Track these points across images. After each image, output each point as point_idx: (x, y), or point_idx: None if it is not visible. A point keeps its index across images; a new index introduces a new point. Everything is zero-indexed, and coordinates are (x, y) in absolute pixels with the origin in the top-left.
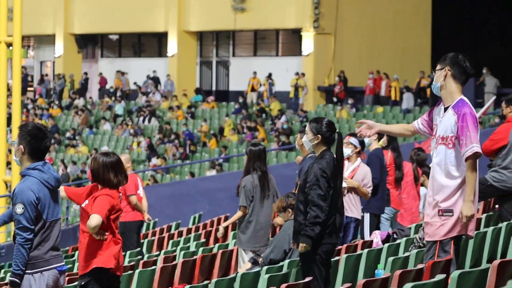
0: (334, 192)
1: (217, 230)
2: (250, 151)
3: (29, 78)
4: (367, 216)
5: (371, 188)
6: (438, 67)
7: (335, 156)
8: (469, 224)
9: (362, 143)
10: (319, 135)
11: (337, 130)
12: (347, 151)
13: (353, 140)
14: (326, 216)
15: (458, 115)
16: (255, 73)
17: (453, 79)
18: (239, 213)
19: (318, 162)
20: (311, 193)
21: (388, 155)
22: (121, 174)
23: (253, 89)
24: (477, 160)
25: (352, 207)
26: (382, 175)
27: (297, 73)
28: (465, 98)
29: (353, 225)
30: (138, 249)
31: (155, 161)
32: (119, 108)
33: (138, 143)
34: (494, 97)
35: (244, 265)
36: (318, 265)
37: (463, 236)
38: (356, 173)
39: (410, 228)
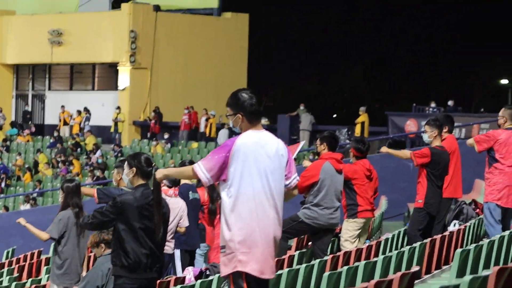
0: (148, 229)
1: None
2: (66, 187)
3: None
4: (177, 253)
5: (187, 224)
6: (230, 111)
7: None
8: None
9: (174, 182)
10: (134, 168)
11: (153, 165)
12: None
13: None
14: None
15: None
16: (63, 107)
17: (247, 121)
18: (44, 236)
19: (126, 194)
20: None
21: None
22: None
23: (65, 123)
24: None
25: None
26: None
27: (118, 108)
28: (246, 135)
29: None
30: None
31: None
32: None
33: None
34: (303, 142)
35: None
36: None
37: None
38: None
39: None
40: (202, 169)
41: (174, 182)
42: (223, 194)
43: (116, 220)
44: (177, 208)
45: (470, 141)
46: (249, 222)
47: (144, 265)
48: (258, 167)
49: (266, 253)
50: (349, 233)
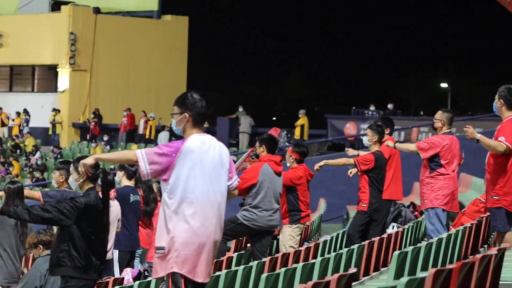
0: (99, 230)
1: None
2: (8, 189)
3: None
4: (116, 253)
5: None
6: (177, 110)
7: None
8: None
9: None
10: None
11: (101, 167)
12: None
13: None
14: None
15: None
16: (1, 108)
17: (192, 123)
18: None
19: (85, 196)
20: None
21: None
22: None
23: (3, 124)
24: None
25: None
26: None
27: (54, 109)
28: (193, 137)
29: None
30: None
31: None
32: None
33: None
34: (249, 150)
35: None
36: None
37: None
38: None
39: None
40: (145, 160)
41: (110, 184)
42: (165, 195)
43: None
44: (117, 211)
45: (411, 147)
46: (192, 224)
47: (93, 266)
48: (203, 170)
49: (206, 256)
50: (294, 239)
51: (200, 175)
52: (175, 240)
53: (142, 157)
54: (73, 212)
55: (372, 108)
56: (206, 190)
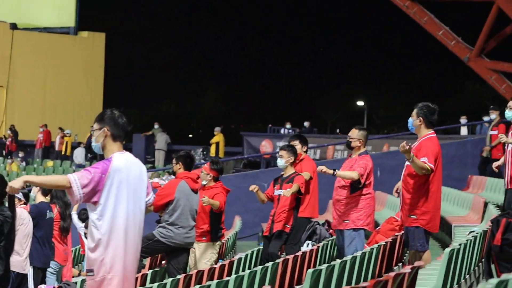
0: (6, 243)
1: None
2: None
3: None
4: (30, 269)
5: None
6: (96, 126)
7: (9, 211)
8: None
9: (25, 196)
10: None
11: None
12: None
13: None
14: None
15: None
16: None
17: (112, 138)
18: None
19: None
20: None
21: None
22: None
23: None
24: None
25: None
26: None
27: None
28: (117, 156)
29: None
30: None
31: None
32: None
33: None
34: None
35: None
36: None
37: None
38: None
39: (76, 283)
40: (78, 184)
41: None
42: (93, 216)
43: None
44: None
45: (354, 175)
46: (121, 245)
47: (3, 279)
48: (129, 189)
49: (132, 275)
50: (214, 257)
51: (126, 194)
52: (106, 262)
53: (75, 181)
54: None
55: (288, 125)
56: (133, 208)
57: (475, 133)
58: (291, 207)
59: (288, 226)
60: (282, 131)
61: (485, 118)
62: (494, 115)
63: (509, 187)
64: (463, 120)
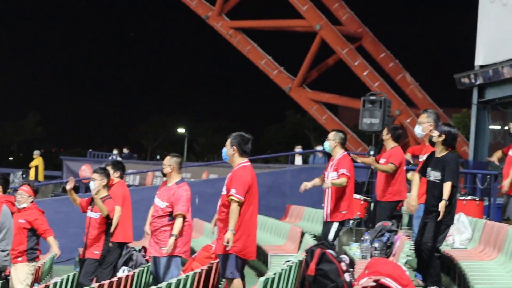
0: None
1: None
2: None
3: None
4: None
5: None
6: None
7: None
8: None
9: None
10: None
11: None
12: None
13: None
14: None
15: None
16: None
17: None
18: None
19: None
20: None
21: None
22: None
23: None
24: None
25: None
26: None
27: None
28: None
29: None
30: None
31: None
32: None
33: None
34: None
35: None
36: None
37: None
38: None
39: None
40: None
41: None
42: None
43: None
44: None
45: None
46: None
47: None
48: None
49: None
50: (30, 277)
51: None
52: None
53: None
54: None
55: (115, 151)
56: None
57: (308, 162)
58: (101, 231)
59: (96, 252)
60: (102, 156)
61: (318, 148)
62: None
63: (327, 220)
64: (297, 149)
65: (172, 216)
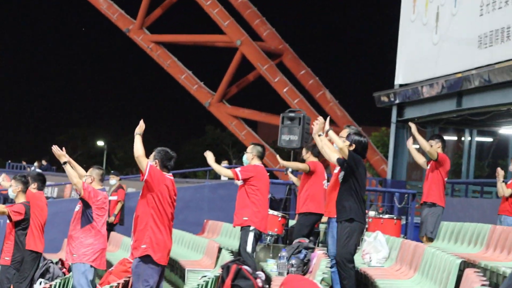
0: None
1: None
2: None
3: None
4: None
5: None
6: None
7: None
8: None
9: None
10: None
11: None
12: None
13: None
14: None
15: None
16: None
17: None
18: None
19: None
20: None
21: None
22: None
23: None
24: None
25: None
26: None
27: None
28: None
29: None
30: None
31: None
32: None
33: None
34: None
35: None
36: None
37: None
38: None
39: None
40: None
41: None
42: None
43: None
44: None
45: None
46: None
47: None
48: None
49: None
50: None
51: None
52: None
53: None
54: None
55: (25, 163)
56: None
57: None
58: (11, 238)
59: (6, 258)
60: (20, 167)
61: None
62: (114, 181)
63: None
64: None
65: (85, 224)
